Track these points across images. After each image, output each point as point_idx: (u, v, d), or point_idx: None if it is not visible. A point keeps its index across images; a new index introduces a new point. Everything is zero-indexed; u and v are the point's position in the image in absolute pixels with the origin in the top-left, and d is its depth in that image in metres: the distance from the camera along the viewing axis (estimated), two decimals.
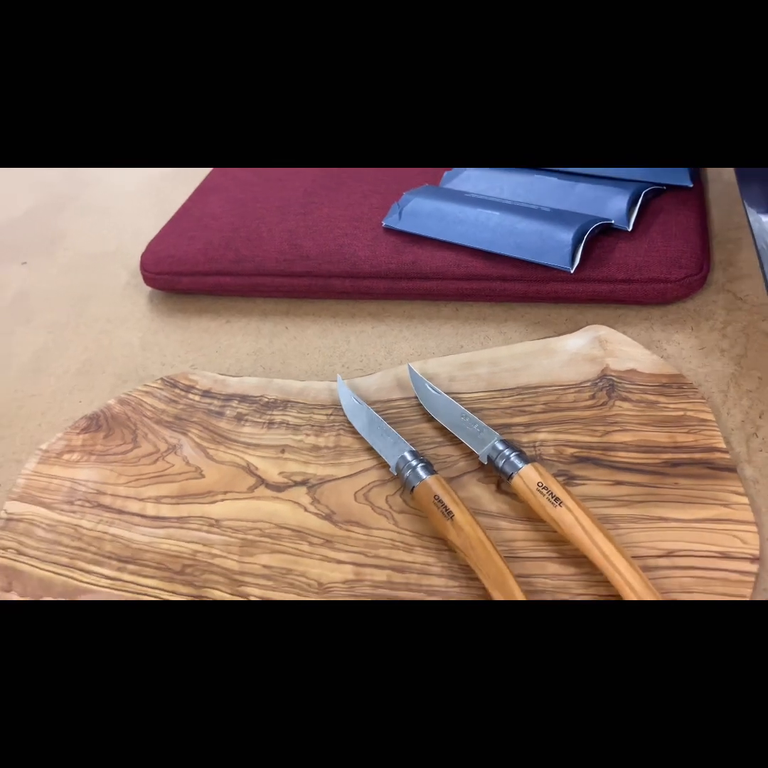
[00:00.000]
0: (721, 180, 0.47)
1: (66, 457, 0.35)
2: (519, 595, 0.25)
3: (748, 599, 0.24)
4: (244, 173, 0.55)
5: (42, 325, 0.50)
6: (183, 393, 0.38)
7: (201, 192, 0.54)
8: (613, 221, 0.39)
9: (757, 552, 0.25)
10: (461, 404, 0.33)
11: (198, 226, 0.49)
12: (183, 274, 0.47)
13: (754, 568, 0.25)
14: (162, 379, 0.39)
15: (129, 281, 0.52)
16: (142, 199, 0.62)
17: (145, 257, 0.48)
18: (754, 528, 0.26)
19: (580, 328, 0.37)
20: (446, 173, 0.48)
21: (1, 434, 0.41)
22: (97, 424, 0.37)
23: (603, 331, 0.35)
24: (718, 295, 0.39)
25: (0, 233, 0.61)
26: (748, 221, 0.36)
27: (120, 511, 0.32)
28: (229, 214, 0.49)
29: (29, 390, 0.44)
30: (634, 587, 0.24)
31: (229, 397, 0.37)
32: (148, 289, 0.50)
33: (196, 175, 0.60)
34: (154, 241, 0.49)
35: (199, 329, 0.46)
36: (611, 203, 0.40)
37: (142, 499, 0.32)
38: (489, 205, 0.42)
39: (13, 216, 0.63)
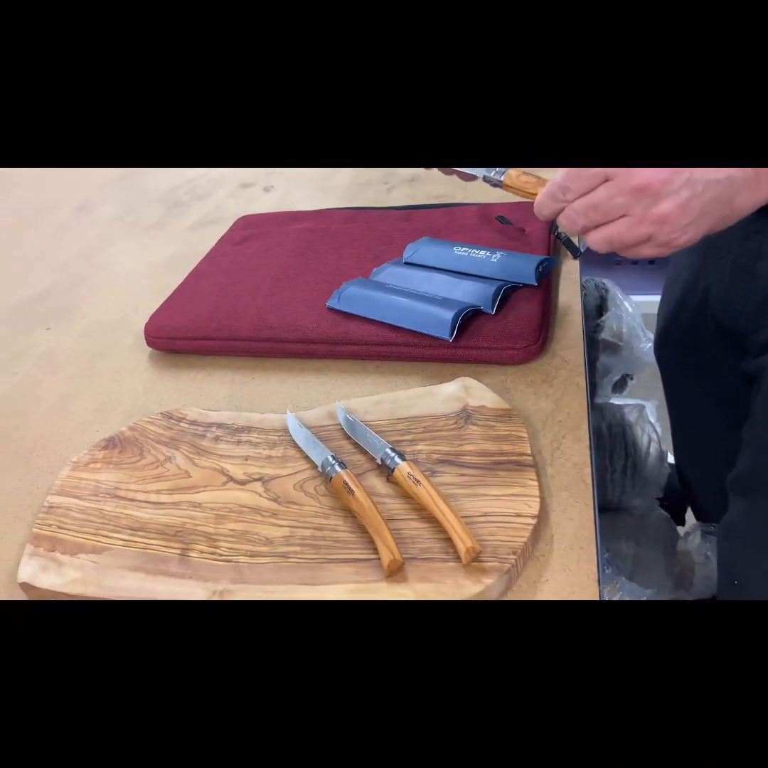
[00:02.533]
0: (569, 278, 0.66)
1: (91, 466, 0.50)
2: (390, 539, 0.40)
3: (525, 540, 0.40)
4: (225, 262, 0.72)
5: (65, 376, 0.65)
6: (176, 422, 0.53)
7: (193, 276, 0.71)
8: (481, 306, 0.57)
9: (536, 512, 0.41)
10: (370, 428, 0.49)
11: (189, 303, 0.66)
12: (177, 338, 0.63)
13: (533, 521, 0.41)
14: (161, 413, 0.54)
15: (133, 343, 0.67)
16: (142, 280, 0.79)
17: (148, 325, 0.64)
18: (537, 500, 0.42)
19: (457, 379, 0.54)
20: (374, 269, 0.66)
21: (38, 453, 0.55)
22: (113, 443, 0.51)
23: (468, 381, 0.52)
24: (552, 358, 0.56)
25: (28, 305, 0.76)
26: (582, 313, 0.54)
27: (131, 500, 0.46)
28: (214, 295, 0.66)
29: (57, 424, 0.58)
30: (459, 532, 0.39)
31: (209, 425, 0.52)
32: (149, 349, 0.66)
33: (186, 261, 0.77)
34: (155, 313, 0.65)
35: (188, 379, 0.61)
36: (482, 295, 0.58)
37: (146, 492, 0.47)
38: (400, 293, 0.59)
39: (37, 291, 0.79)
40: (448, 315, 0.55)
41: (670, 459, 0.92)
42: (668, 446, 0.90)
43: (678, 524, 0.94)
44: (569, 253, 0.67)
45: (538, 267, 0.59)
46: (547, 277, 0.61)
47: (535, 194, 0.47)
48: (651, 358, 0.89)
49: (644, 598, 0.69)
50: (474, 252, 0.62)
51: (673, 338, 0.76)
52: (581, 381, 0.53)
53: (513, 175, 0.50)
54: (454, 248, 0.63)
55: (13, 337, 0.71)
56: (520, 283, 0.59)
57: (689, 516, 1.01)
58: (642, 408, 0.90)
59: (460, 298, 0.58)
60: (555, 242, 0.67)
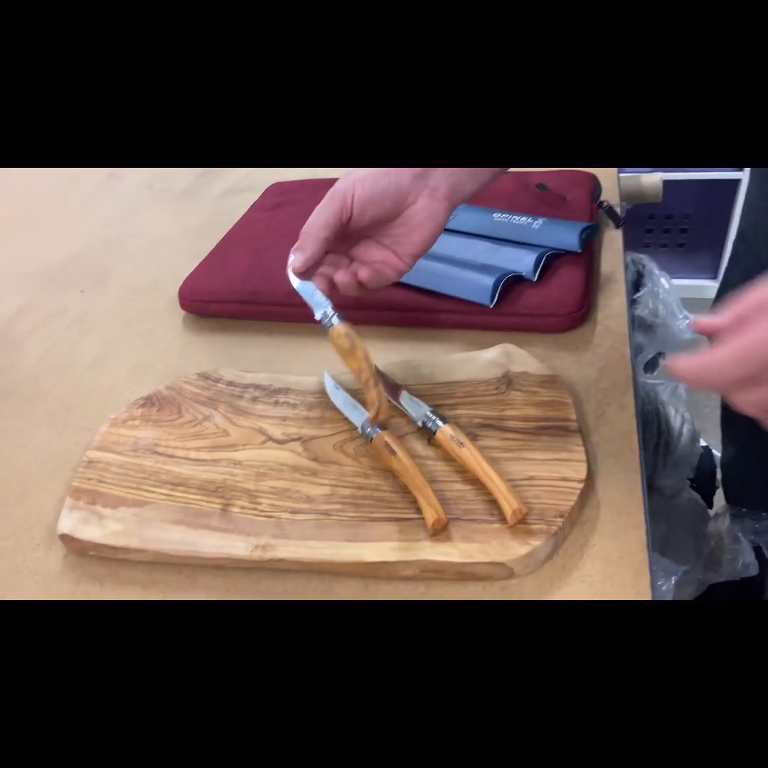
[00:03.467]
0: (612, 248, 0.65)
1: (129, 422, 0.50)
2: (434, 498, 0.39)
3: (573, 503, 0.39)
4: (258, 228, 0.71)
5: (99, 339, 0.65)
6: (213, 383, 0.52)
7: (225, 242, 0.70)
8: (523, 273, 0.56)
9: (583, 477, 0.40)
10: (409, 392, 0.48)
11: (223, 267, 0.65)
12: (211, 301, 0.62)
13: (580, 486, 0.40)
14: (197, 373, 0.54)
15: (166, 307, 0.67)
16: (174, 247, 0.78)
17: (182, 288, 0.64)
18: (584, 464, 0.41)
19: None
20: None
21: (75, 412, 0.55)
22: (151, 402, 0.51)
23: (510, 347, 0.51)
24: (595, 327, 0.55)
25: (62, 267, 0.77)
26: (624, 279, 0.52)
27: (171, 456, 0.46)
28: (247, 259, 0.66)
29: (93, 384, 0.58)
30: (504, 494, 0.39)
31: (246, 386, 0.52)
32: (183, 313, 0.65)
33: (217, 228, 0.76)
34: (189, 277, 0.65)
35: (222, 343, 0.61)
36: (524, 261, 0.57)
37: (186, 449, 0.47)
38: (438, 259, 0.58)
39: (69, 256, 0.79)
40: (489, 280, 0.54)
41: (702, 441, 0.90)
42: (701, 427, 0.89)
43: (707, 506, 0.93)
44: (611, 223, 0.66)
45: (581, 234, 0.58)
46: (589, 246, 0.60)
47: (347, 363, 0.43)
48: (686, 336, 0.87)
49: (678, 575, 0.68)
50: (514, 218, 0.61)
51: None
52: (626, 350, 0.51)
53: (338, 330, 0.44)
54: (493, 214, 0.62)
55: (47, 300, 0.71)
56: (562, 251, 0.58)
57: (718, 498, 0.99)
58: (675, 387, 0.88)
59: (500, 265, 0.57)
60: (596, 211, 0.66)
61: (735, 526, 0.84)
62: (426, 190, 0.42)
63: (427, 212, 0.42)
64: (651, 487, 0.87)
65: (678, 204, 1.77)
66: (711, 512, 0.91)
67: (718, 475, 1.00)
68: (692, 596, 0.82)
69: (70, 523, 0.42)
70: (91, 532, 0.41)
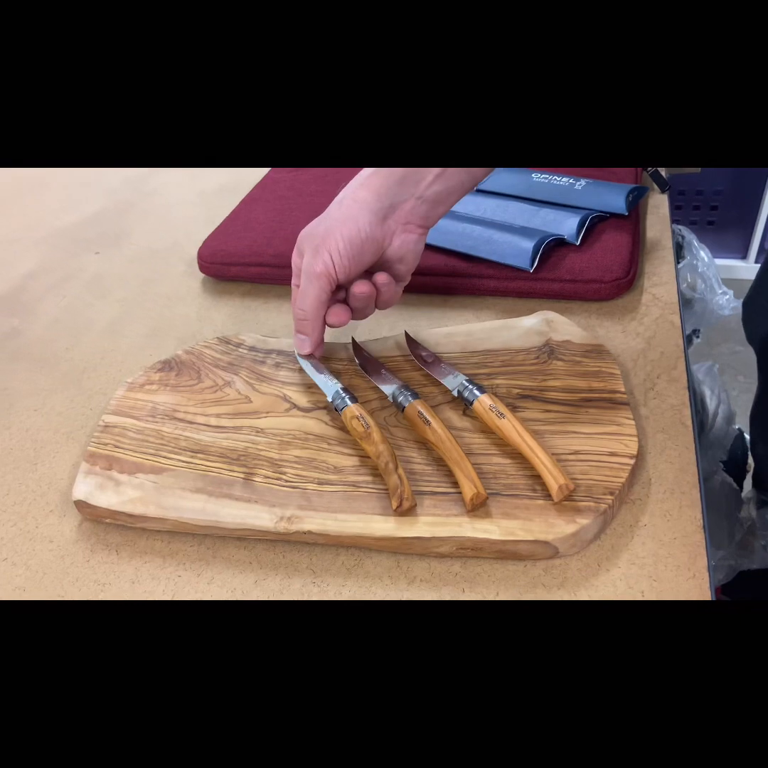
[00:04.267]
0: (657, 213, 0.61)
1: (147, 387, 0.47)
2: (472, 472, 0.36)
3: (623, 480, 0.36)
4: (281, 188, 0.68)
5: (115, 300, 0.62)
6: (234, 347, 0.50)
7: (246, 202, 0.67)
8: (565, 236, 0.52)
9: (634, 452, 0.37)
10: (443, 360, 0.45)
11: (245, 228, 0.62)
12: (232, 264, 0.60)
13: (631, 462, 0.37)
14: (217, 337, 0.51)
15: (185, 270, 0.64)
16: (192, 208, 0.75)
17: (201, 250, 0.61)
18: (635, 439, 0.38)
19: None
20: None
21: (89, 375, 0.53)
22: (170, 366, 0.49)
23: (551, 315, 0.48)
24: (641, 295, 0.51)
25: (76, 229, 0.74)
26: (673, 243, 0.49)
27: (191, 422, 0.44)
28: (270, 220, 0.62)
29: (108, 346, 0.56)
30: (549, 468, 0.36)
31: (269, 352, 0.49)
32: (202, 276, 0.62)
33: (239, 190, 0.73)
34: (209, 237, 0.62)
35: (243, 307, 0.58)
36: (565, 224, 0.53)
37: (206, 415, 0.44)
38: (473, 221, 0.55)
39: (85, 215, 0.76)
40: (529, 244, 0.51)
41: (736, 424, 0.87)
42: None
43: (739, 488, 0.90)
44: (657, 187, 0.62)
45: (628, 195, 0.54)
46: (635, 209, 0.56)
47: (362, 445, 0.39)
48: (725, 312, 0.83)
49: (715, 560, 0.65)
50: (555, 179, 0.57)
51: None
52: (676, 319, 0.48)
53: (352, 412, 0.40)
54: (533, 175, 0.58)
55: (62, 260, 0.69)
56: (607, 213, 0.54)
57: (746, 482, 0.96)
58: (712, 366, 0.84)
59: (540, 228, 0.53)
60: (641, 174, 0.62)
61: (766, 511, 0.81)
62: (398, 228, 0.42)
63: (405, 247, 0.43)
64: None
65: (710, 180, 1.71)
66: (743, 494, 0.87)
67: (750, 460, 0.96)
68: (721, 583, 0.79)
69: (85, 488, 0.40)
70: (108, 499, 0.39)
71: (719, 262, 1.92)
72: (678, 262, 0.83)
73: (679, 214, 1.79)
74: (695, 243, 0.85)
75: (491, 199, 0.58)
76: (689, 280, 0.83)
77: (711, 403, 0.83)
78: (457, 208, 0.59)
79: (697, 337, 0.96)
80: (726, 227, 1.80)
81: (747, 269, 1.80)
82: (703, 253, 0.84)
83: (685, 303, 0.84)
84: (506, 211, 0.56)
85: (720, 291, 0.84)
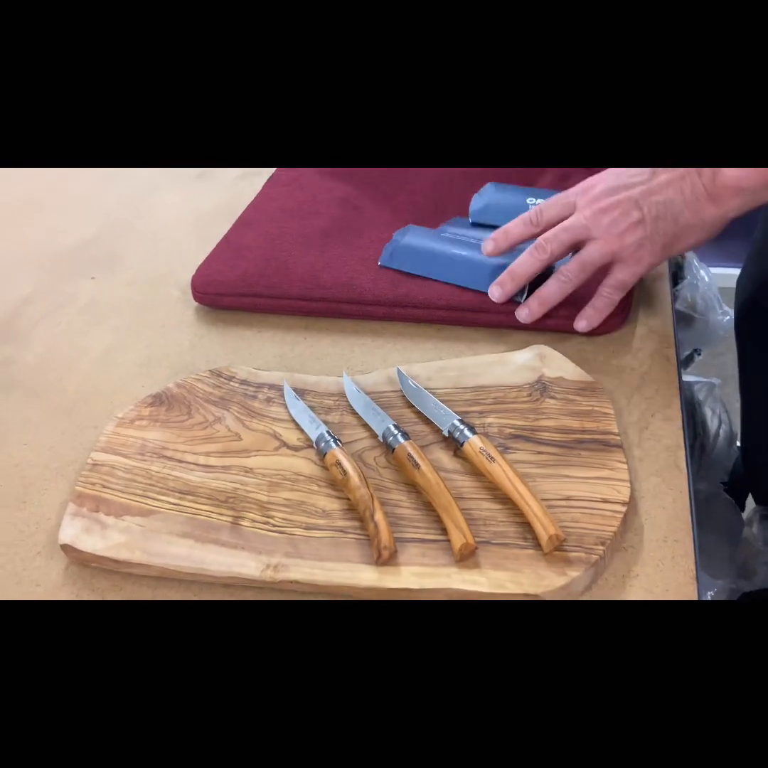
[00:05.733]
0: None
1: (137, 423, 0.47)
2: (461, 520, 0.36)
3: (615, 529, 0.35)
4: (274, 210, 0.68)
5: (110, 328, 0.62)
6: (226, 381, 0.49)
7: (238, 226, 0.67)
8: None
9: (626, 499, 0.37)
10: (434, 396, 0.44)
11: (237, 256, 0.62)
12: (225, 294, 0.59)
13: (623, 509, 0.36)
14: (209, 370, 0.51)
15: (179, 297, 0.64)
16: (188, 230, 0.75)
17: (194, 280, 0.61)
18: (627, 485, 0.37)
19: None
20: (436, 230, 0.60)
21: (81, 407, 0.53)
22: (160, 400, 0.48)
23: (544, 349, 0.47)
24: (636, 327, 0.50)
25: (73, 252, 0.74)
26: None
27: (180, 461, 0.43)
28: (262, 247, 0.62)
29: (101, 377, 0.56)
30: (539, 517, 0.35)
31: (261, 385, 0.49)
32: (195, 303, 0.62)
33: (233, 210, 0.73)
34: (201, 266, 0.62)
35: (236, 336, 0.58)
36: None
37: (195, 453, 0.44)
38: (461, 245, 0.54)
39: (81, 239, 0.76)
40: None
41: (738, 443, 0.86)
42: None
43: (740, 508, 0.89)
44: None
45: None
46: None
47: (344, 491, 0.38)
48: (726, 331, 0.82)
49: (713, 591, 0.64)
50: None
51: (762, 311, 0.69)
52: (671, 353, 0.47)
53: (334, 456, 0.40)
54: (527, 199, 0.58)
55: (57, 285, 0.69)
56: None
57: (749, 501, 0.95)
58: (712, 386, 0.83)
59: None
60: None
61: (766, 529, 0.80)
62: None
63: None
64: None
65: None
66: (744, 515, 0.87)
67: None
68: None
69: (71, 532, 0.40)
70: (93, 543, 0.39)
71: (721, 271, 1.90)
72: (677, 283, 0.83)
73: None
74: (695, 263, 0.84)
75: (488, 233, 0.58)
76: (689, 300, 0.82)
77: (712, 424, 0.82)
78: (455, 240, 0.59)
79: (699, 354, 0.96)
80: (730, 236, 1.79)
81: None
82: (703, 273, 0.83)
83: (686, 322, 0.84)
84: None
85: (720, 311, 0.83)
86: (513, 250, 0.52)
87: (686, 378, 0.89)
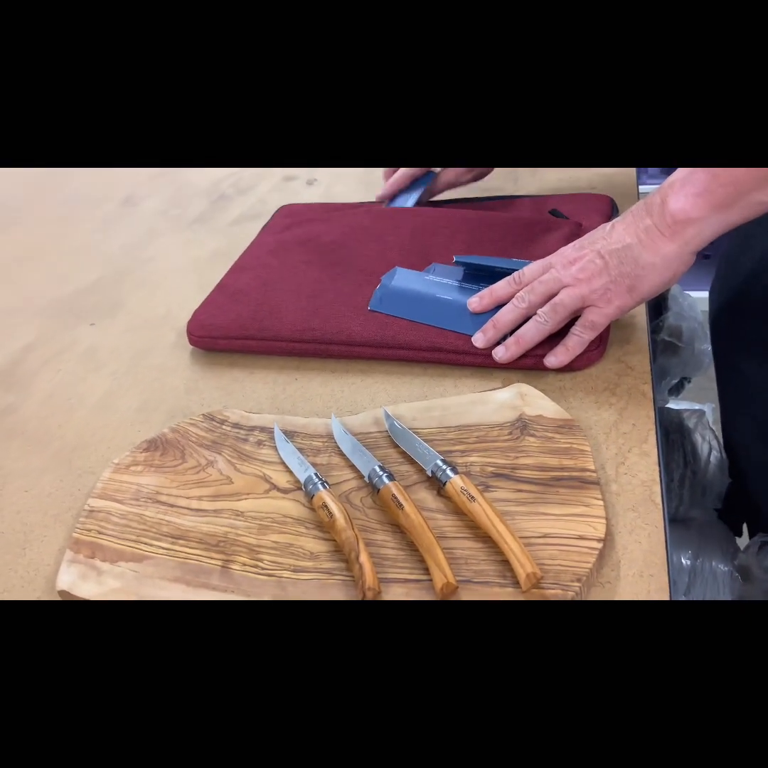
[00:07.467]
0: None
1: (132, 468, 0.48)
2: (443, 560, 0.37)
3: (590, 566, 0.37)
4: (267, 256, 0.70)
5: (108, 373, 0.64)
6: (218, 425, 0.51)
7: (235, 270, 0.69)
8: None
9: (602, 536, 0.38)
10: (419, 436, 0.46)
11: (231, 301, 0.64)
12: (219, 337, 0.61)
13: (599, 545, 0.37)
14: (202, 414, 0.53)
15: (176, 341, 0.66)
16: (186, 275, 0.78)
17: (190, 324, 0.63)
18: (603, 521, 0.39)
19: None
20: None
21: (81, 453, 0.54)
22: (155, 445, 0.50)
23: (524, 387, 0.49)
24: (614, 364, 0.52)
25: (73, 299, 0.76)
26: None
27: (172, 506, 0.45)
28: (255, 291, 0.64)
29: (100, 423, 0.58)
30: (517, 555, 0.36)
31: (252, 428, 0.50)
32: (191, 347, 0.64)
33: (230, 255, 0.75)
34: (197, 312, 0.64)
35: (230, 379, 0.60)
36: None
37: (188, 498, 0.45)
38: (446, 289, 0.57)
39: (82, 286, 0.79)
40: (494, 314, 0.52)
41: None
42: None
43: (735, 535, 0.89)
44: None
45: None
46: None
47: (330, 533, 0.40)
48: (711, 359, 0.84)
49: None
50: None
51: (736, 314, 0.70)
52: (648, 389, 0.49)
53: (321, 499, 0.41)
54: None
55: (58, 331, 0.71)
56: None
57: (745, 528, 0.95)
58: (702, 414, 0.84)
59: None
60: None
61: (764, 557, 0.80)
62: None
63: None
64: (676, 519, 0.83)
65: None
66: (740, 542, 0.87)
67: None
68: None
69: (68, 578, 0.41)
70: (90, 590, 0.40)
71: (704, 294, 1.92)
72: (661, 313, 0.84)
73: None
74: (680, 292, 0.86)
75: (471, 276, 0.60)
76: (674, 329, 0.84)
77: (702, 451, 0.83)
78: (440, 284, 0.61)
79: (689, 382, 0.97)
80: (711, 262, 1.81)
81: None
82: (688, 303, 0.85)
83: (673, 351, 0.85)
84: (476, 283, 0.58)
85: (706, 338, 0.85)
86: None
87: (676, 405, 0.90)
